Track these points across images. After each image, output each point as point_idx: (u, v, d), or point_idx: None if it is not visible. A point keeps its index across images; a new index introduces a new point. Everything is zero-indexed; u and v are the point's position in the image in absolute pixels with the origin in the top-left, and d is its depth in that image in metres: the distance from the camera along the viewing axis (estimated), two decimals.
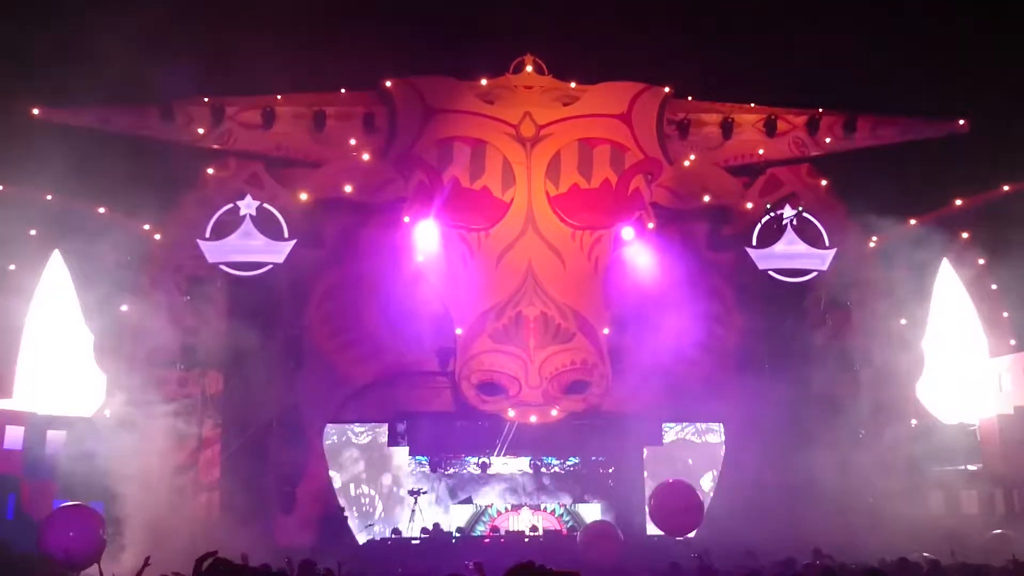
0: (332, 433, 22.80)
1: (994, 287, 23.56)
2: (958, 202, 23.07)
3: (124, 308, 20.96)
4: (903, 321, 22.64)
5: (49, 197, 21.18)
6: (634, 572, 15.74)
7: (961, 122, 22.75)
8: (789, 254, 21.81)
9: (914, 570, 12.75)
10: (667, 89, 22.29)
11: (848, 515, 19.90)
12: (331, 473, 22.35)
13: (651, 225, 21.72)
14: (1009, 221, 22.28)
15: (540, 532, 22.11)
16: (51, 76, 21.41)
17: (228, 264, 20.82)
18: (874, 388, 22.30)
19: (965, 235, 23.73)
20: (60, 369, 21.63)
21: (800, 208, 21.97)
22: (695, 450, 24.01)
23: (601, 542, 18.03)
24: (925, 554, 14.36)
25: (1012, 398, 21.39)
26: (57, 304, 21.85)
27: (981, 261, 23.71)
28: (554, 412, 21.30)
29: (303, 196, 21.18)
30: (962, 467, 21.52)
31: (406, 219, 21.30)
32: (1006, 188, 22.78)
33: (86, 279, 21.56)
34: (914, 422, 22.08)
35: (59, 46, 21.55)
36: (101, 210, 21.35)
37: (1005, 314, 23.32)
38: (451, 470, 23.87)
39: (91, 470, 19.36)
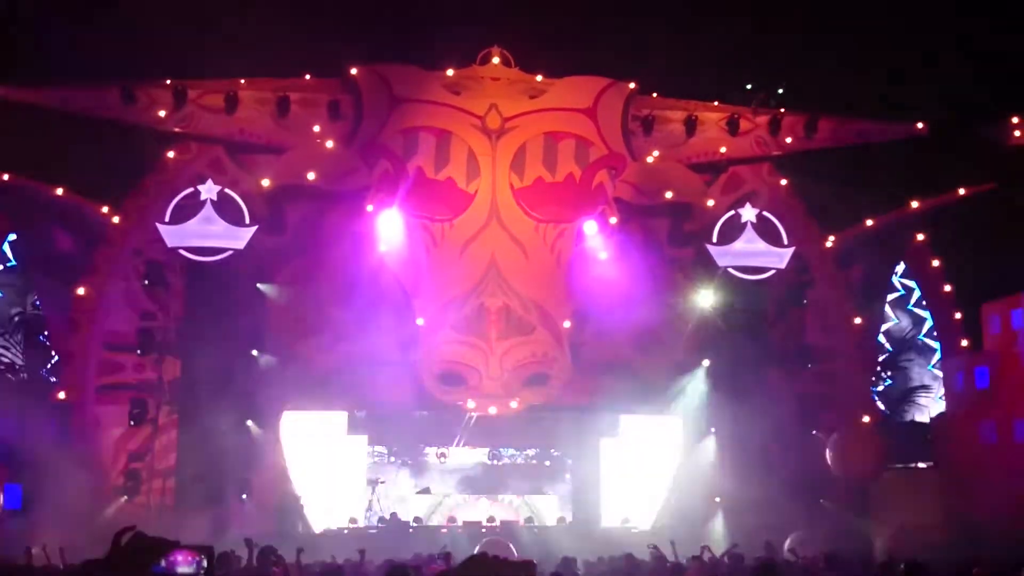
0: (290, 421, 22.66)
1: (948, 289, 24.01)
2: (915, 204, 23.46)
3: (81, 291, 20.70)
4: (858, 320, 23.01)
5: (6, 177, 20.85)
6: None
7: (920, 125, 23.11)
8: (748, 252, 22.04)
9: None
10: (632, 85, 22.39)
11: (802, 510, 20.21)
12: (288, 461, 22.24)
13: (614, 220, 21.81)
14: (964, 224, 22.73)
15: (497, 523, 22.19)
16: (9, 54, 21.07)
17: (188, 249, 20.59)
18: (828, 385, 22.67)
19: (920, 237, 24.15)
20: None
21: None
22: (653, 443, 24.19)
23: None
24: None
25: (963, 398, 21.82)
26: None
27: (936, 263, 24.15)
28: (514, 404, 21.37)
29: (265, 182, 21.03)
30: (913, 465, 21.93)
31: (369, 208, 21.17)
32: (962, 191, 23.20)
33: (43, 261, 21.30)
34: (866, 419, 22.44)
35: (16, 23, 21.25)
36: (59, 191, 21.03)
37: (958, 315, 23.77)
38: (410, 460, 23.86)
39: (46, 455, 19.18)
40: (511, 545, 17.94)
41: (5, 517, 18.65)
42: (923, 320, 24.59)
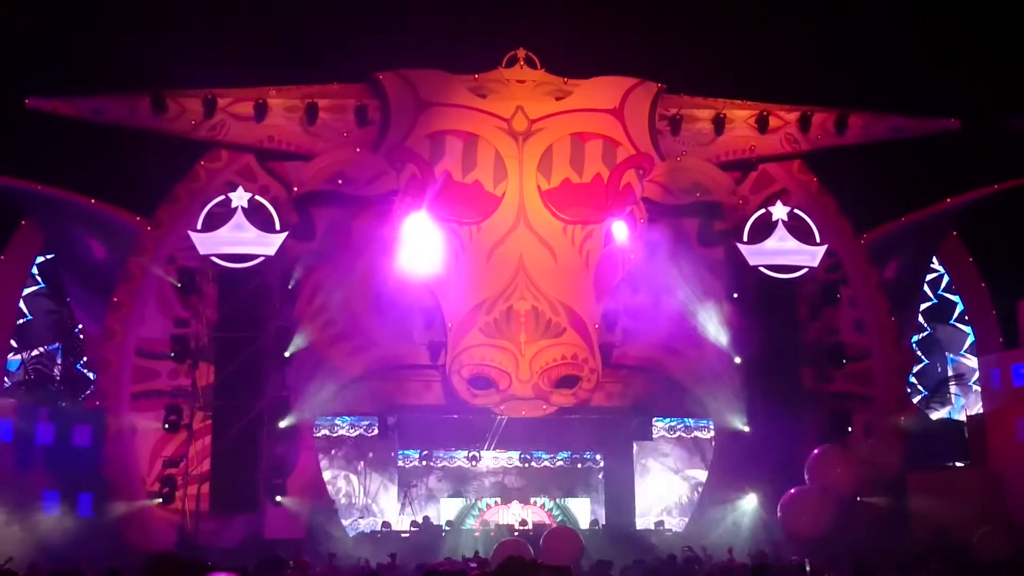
0: (322, 425, 22.80)
1: (983, 285, 23.69)
2: (948, 200, 23.16)
3: (115, 299, 20.95)
4: (892, 318, 22.74)
5: (40, 187, 21.16)
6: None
7: (953, 121, 22.81)
8: (780, 250, 21.83)
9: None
10: (659, 84, 22.26)
11: (836, 511, 19.99)
12: (321, 465, 22.34)
13: (642, 220, 21.73)
14: (998, 220, 22.41)
15: (530, 526, 22.16)
16: (43, 65, 21.38)
17: (219, 256, 20.78)
18: (863, 384, 22.42)
19: (955, 233, 23.85)
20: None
21: None
22: (685, 445, 24.08)
23: (560, 546, 18.21)
24: None
25: (999, 395, 21.47)
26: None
27: (970, 259, 23.84)
28: (544, 406, 21.29)
29: (295, 188, 21.18)
30: (950, 464, 21.62)
31: (398, 212, 21.26)
32: (996, 187, 22.88)
33: (77, 270, 21.56)
34: (902, 418, 22.17)
35: (50, 35, 21.57)
36: (92, 201, 21.31)
37: (993, 312, 23.44)
38: (441, 464, 23.91)
39: (82, 461, 19.45)
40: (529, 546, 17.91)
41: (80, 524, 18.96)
42: (953, 304, 24.34)
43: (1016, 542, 16.97)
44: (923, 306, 24.54)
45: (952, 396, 24.10)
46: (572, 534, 19.62)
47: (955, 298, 24.41)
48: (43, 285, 22.23)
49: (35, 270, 22.21)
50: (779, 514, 19.53)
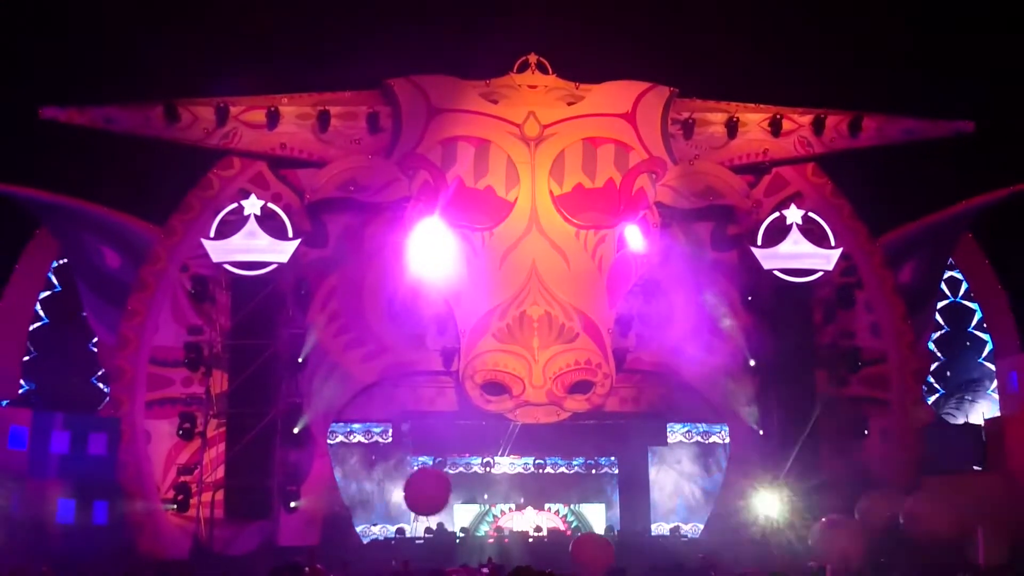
0: (337, 432, 22.82)
1: (999, 287, 23.53)
2: (964, 203, 23.00)
3: (129, 308, 21.02)
4: (908, 321, 22.59)
5: (55, 196, 21.26)
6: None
7: (967, 123, 22.66)
8: (794, 254, 21.72)
9: None
10: (672, 88, 22.19)
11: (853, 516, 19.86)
12: (335, 472, 22.35)
13: (655, 225, 21.65)
14: (1015, 222, 22.26)
15: (544, 532, 22.10)
16: (57, 75, 21.53)
17: (232, 263, 20.85)
18: (878, 388, 22.28)
19: (970, 236, 23.69)
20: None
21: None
22: (700, 450, 23.97)
23: (592, 552, 18.10)
24: None
25: (1018, 399, 21.30)
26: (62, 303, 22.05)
27: (986, 261, 23.67)
28: (558, 412, 21.20)
29: (307, 196, 21.21)
30: (967, 468, 21.46)
31: (410, 219, 21.26)
32: (1012, 189, 22.72)
33: (91, 278, 21.65)
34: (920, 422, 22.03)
35: (61, 45, 21.73)
36: (106, 210, 21.40)
37: (1011, 315, 23.27)
38: (456, 470, 23.85)
39: (97, 469, 19.51)
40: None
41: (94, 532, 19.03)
42: (972, 312, 24.20)
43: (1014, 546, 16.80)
44: (940, 304, 24.39)
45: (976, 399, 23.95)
46: (604, 543, 19.36)
47: (974, 305, 24.25)
48: (59, 288, 22.39)
49: (52, 276, 22.42)
50: None
